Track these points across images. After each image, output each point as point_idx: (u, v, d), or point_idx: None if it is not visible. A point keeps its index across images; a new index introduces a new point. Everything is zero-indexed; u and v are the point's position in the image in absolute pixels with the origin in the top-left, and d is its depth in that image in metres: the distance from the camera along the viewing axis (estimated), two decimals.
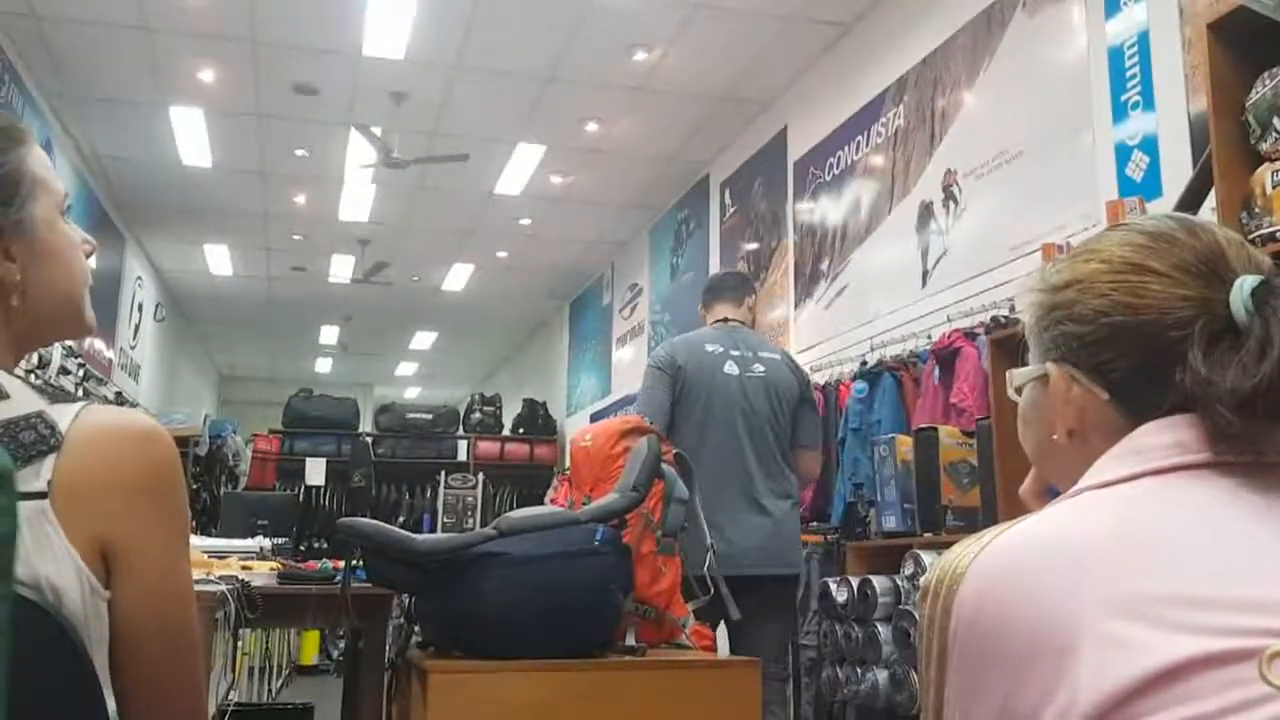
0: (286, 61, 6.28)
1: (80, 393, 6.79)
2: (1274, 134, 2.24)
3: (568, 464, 3.11)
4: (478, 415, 10.24)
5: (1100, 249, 0.84)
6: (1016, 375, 0.91)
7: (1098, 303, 0.81)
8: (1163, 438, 0.77)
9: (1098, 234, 0.89)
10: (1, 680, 0.34)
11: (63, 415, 0.89)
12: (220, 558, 3.18)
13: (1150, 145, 3.66)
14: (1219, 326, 0.76)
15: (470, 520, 8.99)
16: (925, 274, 4.92)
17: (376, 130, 6.90)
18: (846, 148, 5.78)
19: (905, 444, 3.84)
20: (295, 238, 9.60)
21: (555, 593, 1.78)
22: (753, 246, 6.94)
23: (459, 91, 6.62)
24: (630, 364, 9.21)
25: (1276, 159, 2.23)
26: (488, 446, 10.01)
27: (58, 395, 0.93)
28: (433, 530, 8.70)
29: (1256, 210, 2.27)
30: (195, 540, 3.71)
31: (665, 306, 8.56)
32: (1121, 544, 0.71)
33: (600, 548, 1.83)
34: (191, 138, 7.36)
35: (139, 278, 9.89)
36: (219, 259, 10.34)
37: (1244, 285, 0.76)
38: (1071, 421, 0.84)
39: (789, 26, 5.80)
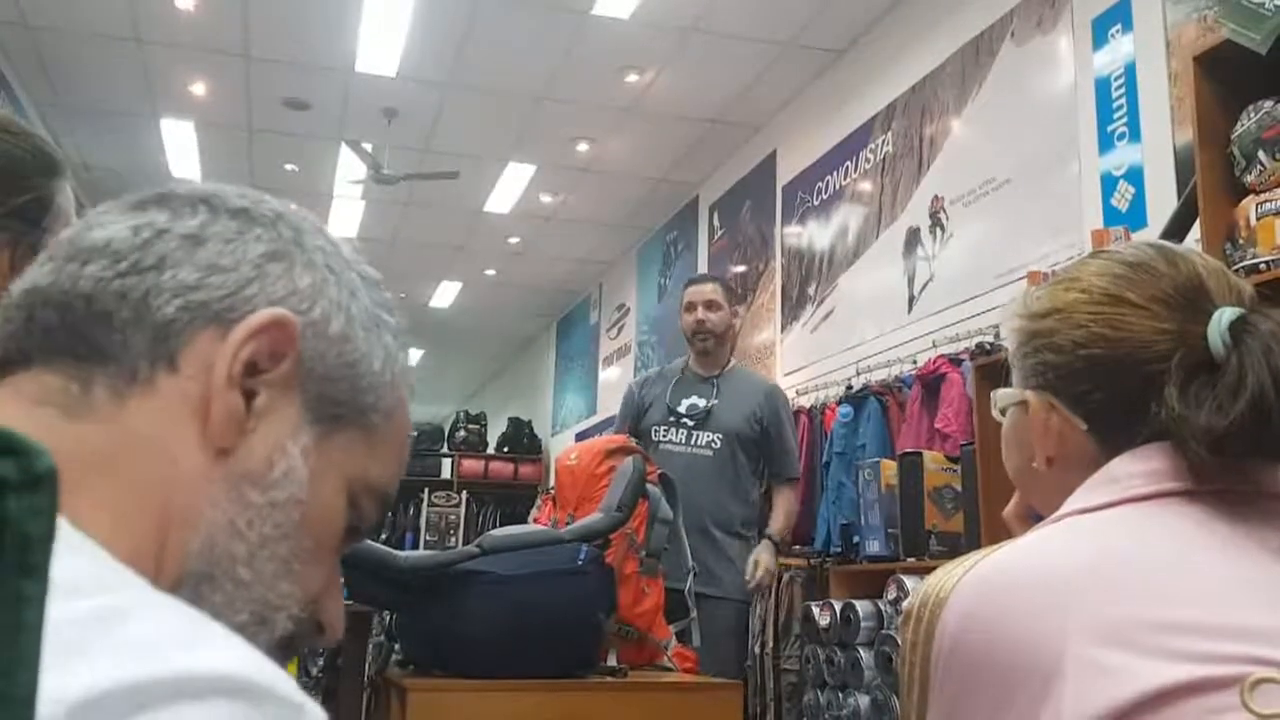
0: (278, 76, 6.28)
1: None
2: (1258, 166, 2.26)
3: (552, 483, 3.10)
4: (462, 433, 10.20)
5: (1080, 278, 0.84)
6: (1000, 396, 0.91)
7: (1076, 334, 0.81)
8: (1140, 466, 0.77)
9: (1079, 261, 0.89)
10: (32, 680, 0.34)
11: None
12: None
13: (1136, 176, 3.69)
14: (1196, 359, 0.76)
15: (453, 538, 8.94)
16: (911, 299, 4.94)
17: (367, 146, 6.90)
18: (835, 173, 5.81)
19: (889, 468, 3.84)
20: None
21: (537, 612, 1.77)
22: (740, 269, 6.96)
23: (450, 109, 6.63)
24: (616, 384, 9.21)
25: (1261, 191, 2.25)
26: (472, 464, 9.96)
27: None
28: (415, 548, 8.65)
29: (1240, 242, 2.29)
30: None
31: (652, 327, 8.56)
32: (1104, 570, 0.71)
33: (583, 568, 1.83)
34: (181, 150, 7.35)
35: None
36: None
37: (1222, 318, 0.76)
38: (1051, 449, 0.84)
39: (780, 52, 5.84)
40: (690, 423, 3.39)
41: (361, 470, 0.57)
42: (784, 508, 3.50)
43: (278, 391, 0.53)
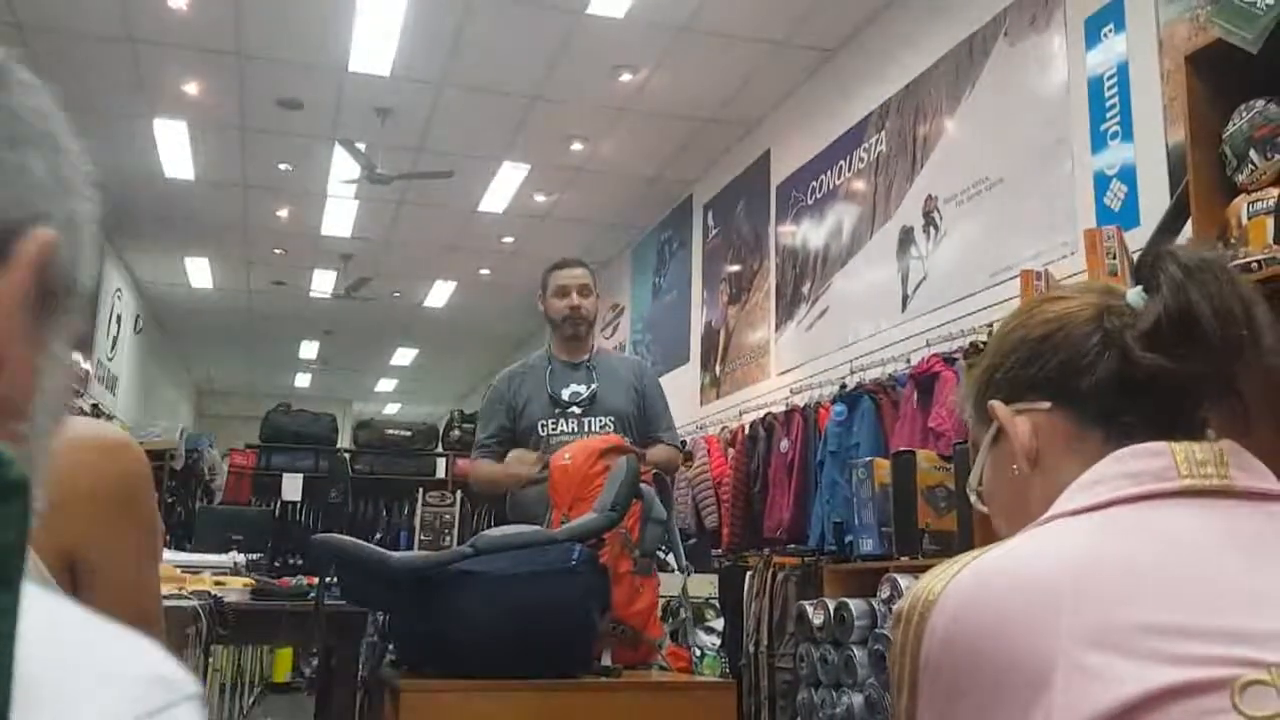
0: (272, 75, 6.27)
1: None
2: (1250, 165, 2.26)
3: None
4: (457, 432, 10.18)
5: (1009, 316, 0.96)
6: (972, 476, 0.97)
7: (1020, 332, 0.90)
8: (1130, 465, 0.78)
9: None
10: (5, 689, 0.33)
11: None
12: (193, 572, 3.15)
13: (1128, 175, 3.69)
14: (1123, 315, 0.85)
15: (448, 538, 8.93)
16: (905, 298, 4.95)
17: (361, 145, 6.89)
18: (829, 172, 5.82)
19: (883, 467, 3.85)
20: (277, 252, 9.56)
21: (531, 612, 1.77)
22: (735, 268, 6.96)
23: (444, 108, 6.62)
24: None
25: (1252, 190, 2.25)
26: (466, 464, 9.94)
27: None
28: (410, 548, 8.64)
29: (1232, 241, 2.29)
30: (168, 554, 3.68)
31: (647, 326, 8.56)
32: (1093, 572, 0.71)
33: (577, 567, 1.82)
34: (174, 150, 7.33)
35: (118, 290, 9.82)
36: (199, 272, 10.29)
37: (1134, 289, 0.86)
38: (1029, 449, 0.86)
39: (774, 51, 5.84)
40: (578, 410, 3.28)
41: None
42: (662, 449, 3.30)
43: None
